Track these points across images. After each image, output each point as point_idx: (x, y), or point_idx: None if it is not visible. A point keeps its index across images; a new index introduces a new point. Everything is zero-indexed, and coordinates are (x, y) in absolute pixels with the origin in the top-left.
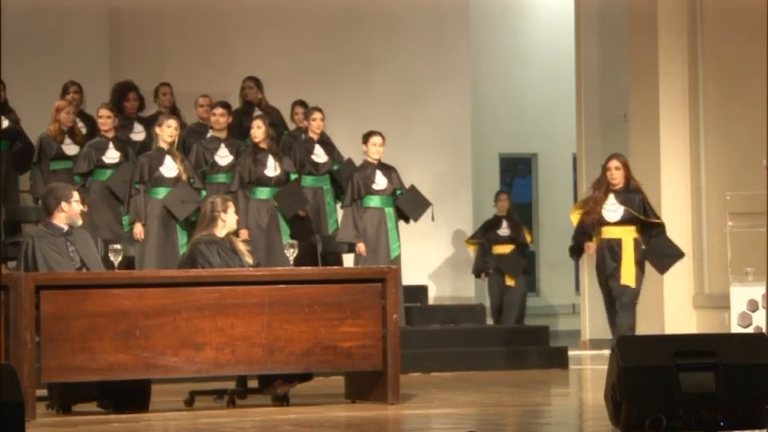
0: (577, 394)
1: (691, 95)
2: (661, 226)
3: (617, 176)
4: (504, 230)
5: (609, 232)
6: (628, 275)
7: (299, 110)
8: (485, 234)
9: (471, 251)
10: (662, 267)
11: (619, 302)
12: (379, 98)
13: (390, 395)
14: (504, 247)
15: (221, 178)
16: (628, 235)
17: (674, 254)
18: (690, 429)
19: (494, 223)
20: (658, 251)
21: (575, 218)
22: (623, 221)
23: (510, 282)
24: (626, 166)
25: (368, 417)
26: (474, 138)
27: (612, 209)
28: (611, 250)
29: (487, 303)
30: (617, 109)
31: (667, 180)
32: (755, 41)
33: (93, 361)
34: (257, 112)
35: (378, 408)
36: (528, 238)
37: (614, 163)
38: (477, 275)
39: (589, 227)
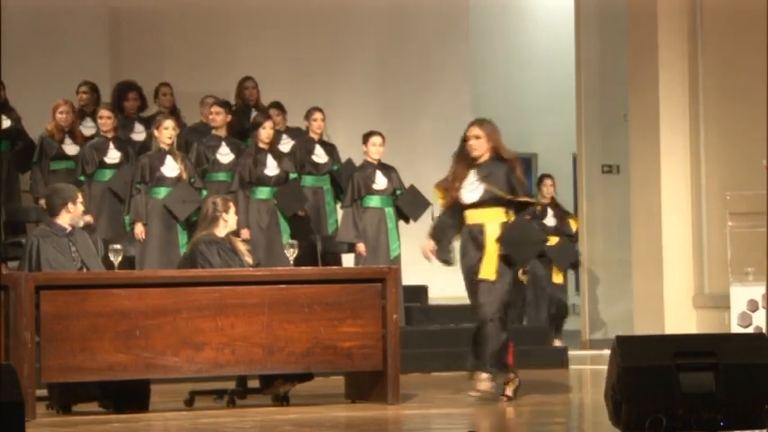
0: (577, 394)
1: (691, 95)
2: (530, 205)
3: (476, 146)
4: (549, 220)
5: (471, 217)
6: (488, 268)
7: (274, 112)
8: None
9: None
10: (518, 259)
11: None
12: (378, 98)
13: (390, 395)
14: (550, 238)
15: (222, 176)
16: (492, 219)
17: (533, 240)
18: (690, 429)
19: (539, 212)
20: (510, 239)
21: (439, 201)
22: (484, 203)
23: (557, 277)
24: (491, 134)
25: (368, 417)
26: None
27: (471, 187)
28: (474, 239)
29: None
30: (617, 109)
31: (667, 180)
32: (755, 41)
33: (93, 361)
34: (255, 113)
35: (378, 408)
36: (574, 228)
37: (474, 130)
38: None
39: (453, 211)
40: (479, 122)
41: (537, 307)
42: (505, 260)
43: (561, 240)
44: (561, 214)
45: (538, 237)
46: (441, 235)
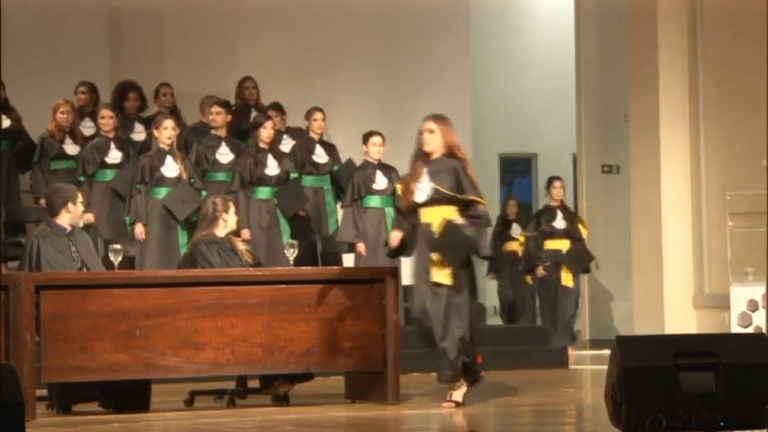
0: (577, 394)
1: (691, 95)
2: (477, 204)
3: (430, 141)
4: (559, 222)
5: (423, 215)
6: (439, 271)
7: (273, 113)
8: (537, 227)
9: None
10: (450, 263)
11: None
12: (378, 98)
13: (390, 395)
14: (558, 242)
15: (221, 176)
16: (442, 219)
17: (463, 242)
18: (690, 429)
19: (547, 214)
20: (442, 241)
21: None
22: (434, 201)
23: (568, 281)
24: (446, 131)
25: (368, 417)
26: (474, 138)
27: (422, 186)
28: (426, 239)
29: (487, 304)
30: (617, 109)
31: (667, 180)
32: (755, 41)
33: (93, 361)
34: (255, 113)
35: (378, 408)
36: (584, 232)
37: (428, 125)
38: (528, 273)
39: (408, 212)
40: (435, 117)
41: (548, 311)
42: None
43: (572, 244)
44: (571, 217)
45: (468, 239)
46: (402, 227)
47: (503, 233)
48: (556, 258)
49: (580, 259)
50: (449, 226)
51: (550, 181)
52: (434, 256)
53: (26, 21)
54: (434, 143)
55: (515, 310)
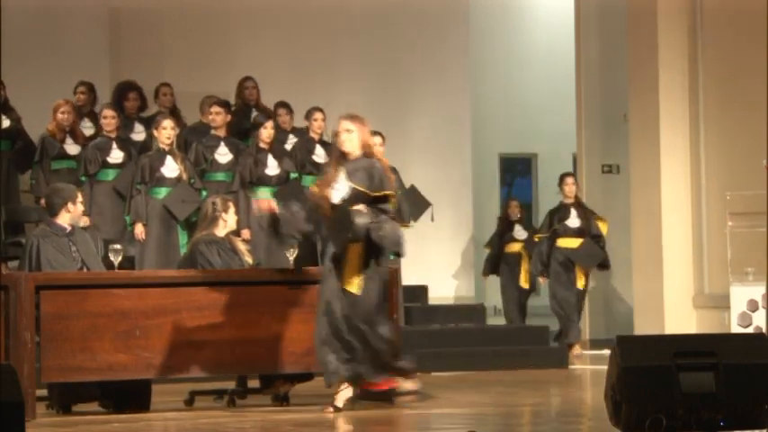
0: (577, 394)
1: (691, 95)
2: (387, 198)
3: (348, 141)
4: (573, 221)
5: None
6: (349, 278)
7: (282, 111)
8: (551, 225)
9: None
10: (335, 246)
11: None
12: (378, 98)
13: None
14: (572, 240)
15: (220, 176)
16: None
17: (344, 226)
18: (690, 429)
19: (560, 212)
20: (333, 223)
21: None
22: (349, 201)
23: (581, 281)
24: (363, 131)
25: (368, 417)
26: (474, 138)
27: (338, 186)
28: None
29: (488, 304)
30: (617, 109)
31: (667, 180)
32: (755, 41)
33: (93, 361)
34: (255, 113)
35: (378, 408)
36: (603, 229)
37: (346, 125)
38: (542, 274)
39: (315, 210)
40: (352, 117)
41: (558, 312)
42: (368, 262)
43: (585, 241)
44: (586, 214)
45: (349, 224)
46: (289, 210)
47: (505, 234)
48: (565, 257)
49: (592, 255)
50: (338, 208)
51: (562, 178)
52: (351, 259)
53: (26, 21)
54: (352, 143)
55: (525, 312)
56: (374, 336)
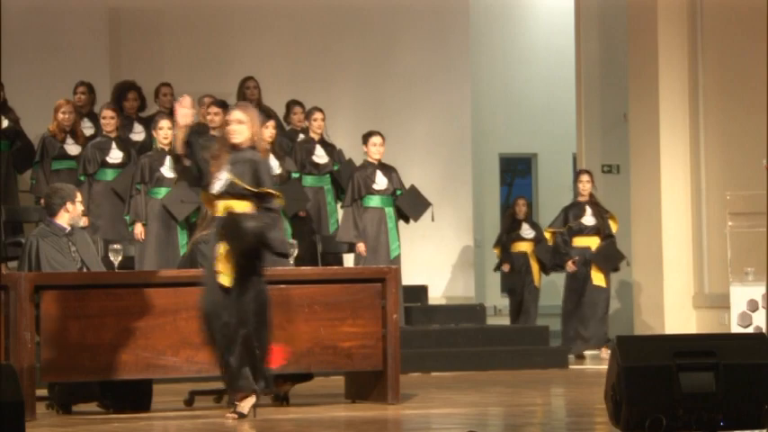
0: (577, 394)
1: (691, 95)
2: (271, 197)
3: (238, 132)
4: (588, 218)
5: (218, 208)
6: (222, 272)
7: (298, 109)
8: (565, 222)
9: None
10: (234, 253)
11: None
12: (378, 98)
13: (390, 395)
14: (587, 239)
15: None
16: (227, 210)
17: (243, 232)
18: (690, 429)
19: (575, 210)
20: (229, 232)
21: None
22: (227, 194)
23: (598, 281)
24: (254, 122)
25: (368, 417)
26: (474, 138)
27: (221, 176)
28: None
29: (488, 304)
30: (617, 109)
31: (667, 180)
32: (755, 41)
33: (93, 361)
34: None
35: (378, 408)
36: (614, 228)
37: (236, 115)
38: (556, 270)
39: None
40: (243, 107)
41: (572, 313)
42: (246, 260)
43: (602, 240)
44: (601, 212)
45: (249, 230)
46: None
47: (511, 233)
48: (585, 256)
49: (610, 257)
50: (230, 215)
51: (578, 175)
52: (220, 249)
53: (26, 21)
54: (243, 134)
55: (521, 310)
56: (233, 336)
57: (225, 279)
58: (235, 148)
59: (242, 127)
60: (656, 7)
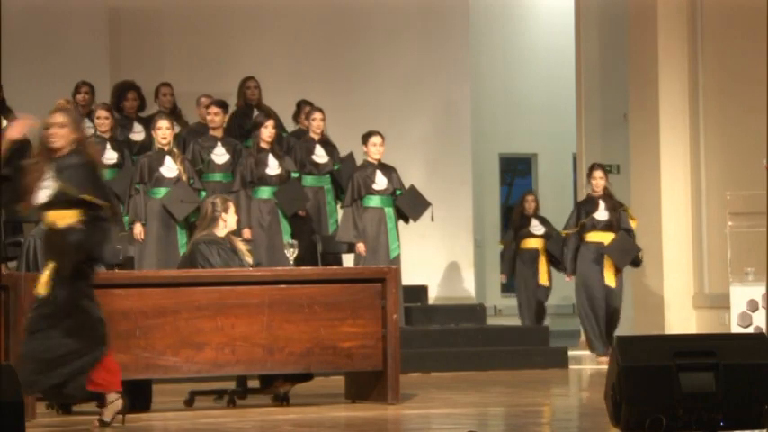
0: (577, 394)
1: (691, 95)
2: (100, 208)
3: (59, 136)
4: (601, 213)
5: (46, 219)
6: (41, 281)
7: (308, 108)
8: (578, 220)
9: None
10: (60, 268)
11: None
12: (378, 98)
13: (390, 395)
14: (601, 234)
15: (217, 177)
16: (65, 223)
17: (70, 247)
18: (690, 429)
19: (589, 205)
20: (53, 247)
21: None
22: (55, 204)
23: (610, 279)
24: (77, 125)
25: (368, 417)
26: (474, 138)
27: (45, 185)
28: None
29: (488, 304)
30: (617, 109)
31: (667, 180)
32: (755, 41)
33: None
34: (257, 113)
35: (378, 408)
36: (632, 223)
37: (57, 118)
38: (574, 272)
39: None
40: (63, 110)
41: (585, 314)
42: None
43: (616, 236)
44: (615, 206)
45: (74, 244)
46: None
47: (519, 230)
48: (595, 252)
49: (625, 250)
50: (52, 230)
51: (591, 170)
52: (48, 266)
53: (26, 21)
54: (65, 138)
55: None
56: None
57: (40, 288)
58: (55, 152)
59: (64, 130)
60: (657, 7)
